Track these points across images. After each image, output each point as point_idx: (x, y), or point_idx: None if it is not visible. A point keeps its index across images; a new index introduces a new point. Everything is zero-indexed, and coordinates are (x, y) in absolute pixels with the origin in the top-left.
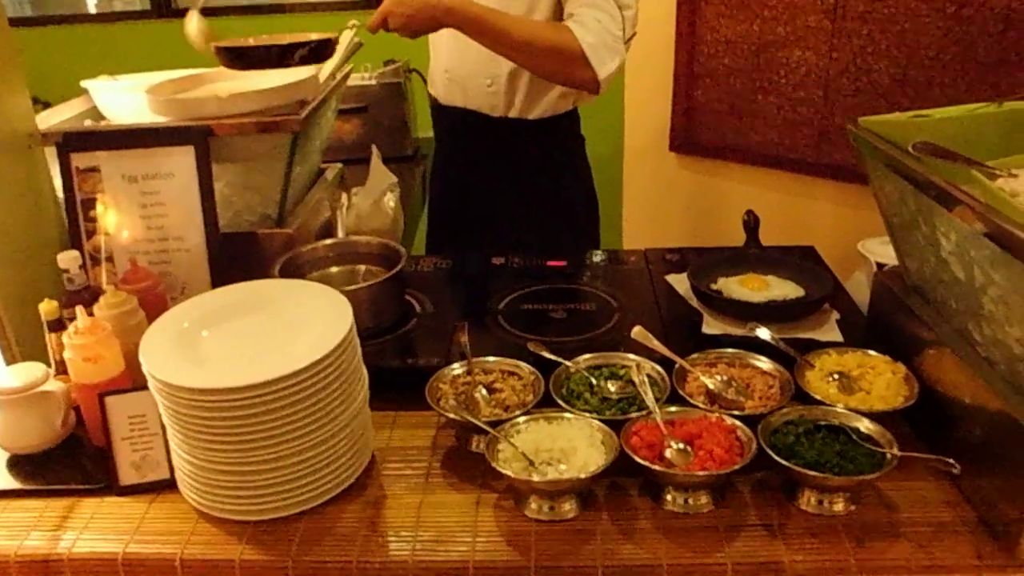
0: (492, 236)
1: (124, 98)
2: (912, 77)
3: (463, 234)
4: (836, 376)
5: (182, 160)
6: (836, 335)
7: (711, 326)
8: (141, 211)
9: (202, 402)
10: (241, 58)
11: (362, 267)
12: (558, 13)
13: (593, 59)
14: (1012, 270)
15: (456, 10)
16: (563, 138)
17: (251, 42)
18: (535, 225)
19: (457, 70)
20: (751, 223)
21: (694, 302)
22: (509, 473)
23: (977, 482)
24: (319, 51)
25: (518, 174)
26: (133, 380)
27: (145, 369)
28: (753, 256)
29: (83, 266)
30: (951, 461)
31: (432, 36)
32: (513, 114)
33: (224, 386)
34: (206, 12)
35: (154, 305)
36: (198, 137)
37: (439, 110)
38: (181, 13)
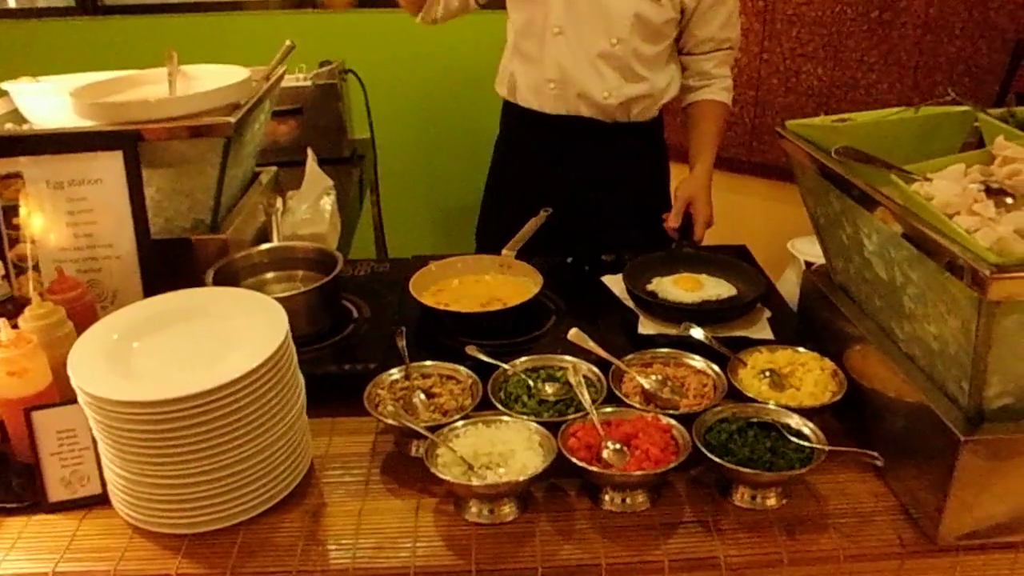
0: (565, 233)
1: (48, 101)
2: (839, 78)
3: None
4: (767, 373)
5: (110, 165)
6: (767, 333)
7: (646, 326)
8: (68, 218)
9: (135, 416)
10: None
11: (298, 273)
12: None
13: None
14: (928, 270)
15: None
16: (656, 136)
17: None
18: (615, 220)
19: (568, 82)
20: (685, 221)
21: (630, 303)
22: (448, 478)
23: (900, 472)
24: None
25: (611, 171)
26: (61, 393)
27: (74, 383)
28: (687, 255)
29: (6, 276)
30: (875, 454)
31: (526, 48)
32: (622, 119)
33: (157, 399)
34: (140, 10)
35: (83, 315)
36: (127, 142)
37: (522, 114)
38: (108, 11)
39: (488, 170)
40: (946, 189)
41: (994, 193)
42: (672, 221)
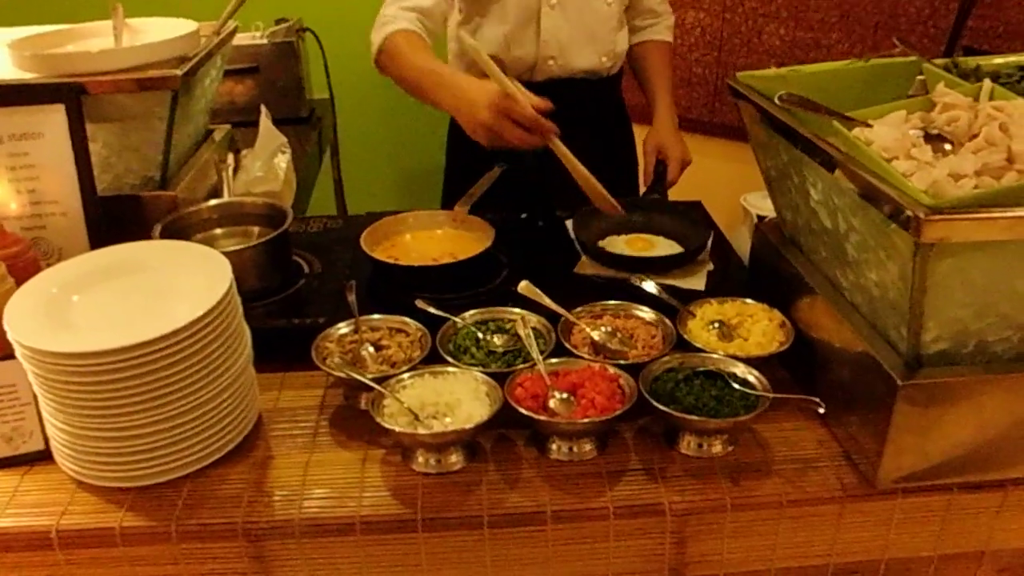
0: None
1: None
2: (800, 39)
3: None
4: (716, 324)
5: (52, 119)
6: (700, 284)
7: (584, 267)
8: (9, 174)
9: (74, 367)
10: None
11: (249, 229)
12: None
13: None
14: (868, 216)
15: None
16: (619, 87)
17: None
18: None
19: (567, 55)
20: (660, 169)
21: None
22: (395, 428)
23: (843, 419)
24: None
25: (583, 125)
26: (2, 350)
27: (11, 336)
28: (640, 206)
29: None
30: (817, 400)
31: (516, 36)
32: (604, 74)
33: (96, 349)
34: None
35: (25, 271)
36: (69, 95)
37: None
38: None
39: (447, 135)
40: (886, 135)
41: (933, 139)
42: (645, 174)
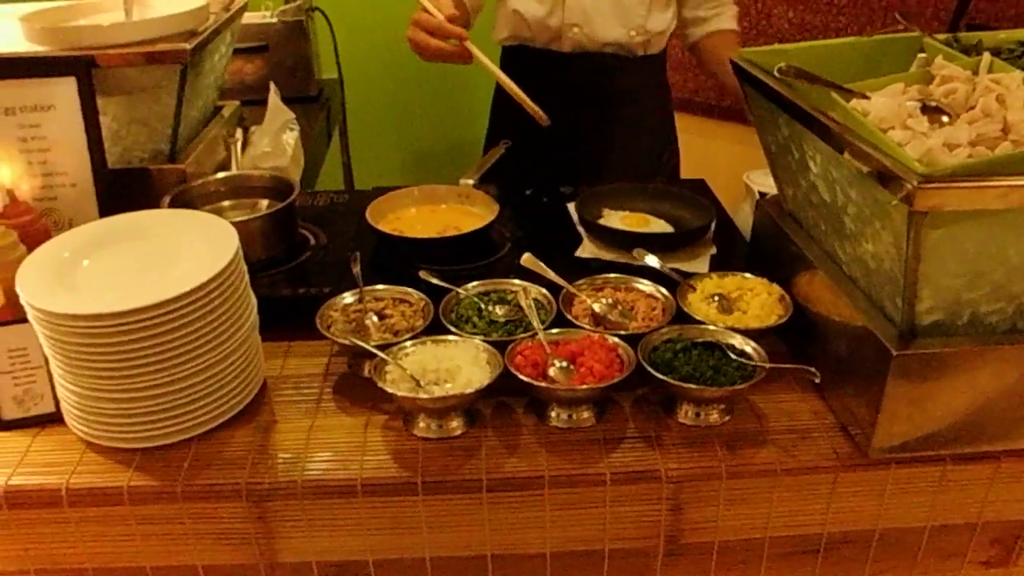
0: (576, 167)
1: None
2: (809, 22)
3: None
4: (716, 298)
5: (63, 92)
6: (704, 267)
7: (585, 250)
8: (21, 145)
9: (84, 329)
10: None
11: (256, 201)
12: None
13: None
14: (864, 186)
15: None
16: (663, 68)
17: None
18: (626, 153)
19: (592, 24)
20: (674, 159)
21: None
22: (397, 393)
23: (839, 391)
24: None
25: (624, 104)
26: (14, 315)
27: (23, 298)
28: (642, 190)
29: None
30: (812, 370)
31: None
32: (640, 52)
33: (105, 311)
34: None
35: (37, 240)
36: (80, 67)
37: (533, 56)
38: None
39: (489, 114)
40: (883, 106)
41: (930, 111)
42: None
